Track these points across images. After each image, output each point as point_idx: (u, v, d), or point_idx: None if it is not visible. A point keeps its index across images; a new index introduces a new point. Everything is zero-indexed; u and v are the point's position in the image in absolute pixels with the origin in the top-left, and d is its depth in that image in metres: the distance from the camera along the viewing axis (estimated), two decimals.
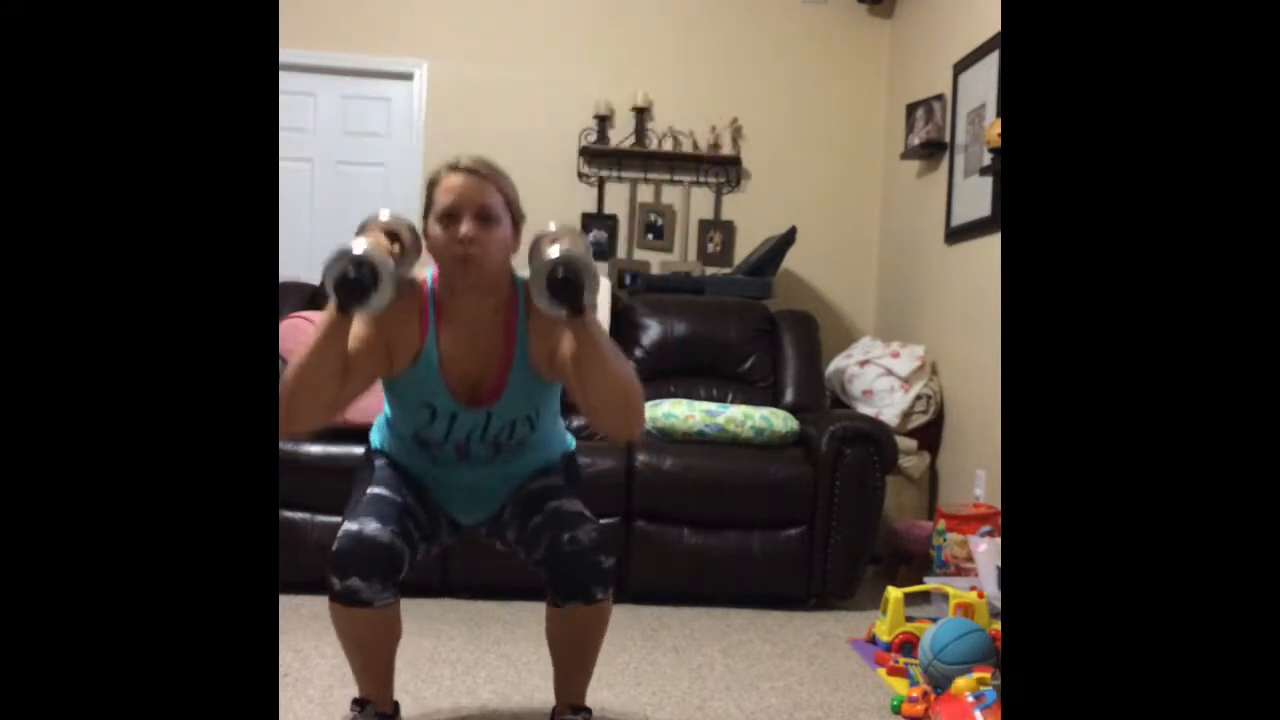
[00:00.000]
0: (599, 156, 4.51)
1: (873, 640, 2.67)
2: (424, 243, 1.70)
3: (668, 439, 3.21)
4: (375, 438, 1.90)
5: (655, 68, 4.57)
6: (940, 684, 2.20)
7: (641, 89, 4.52)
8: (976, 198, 3.61)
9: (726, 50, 4.63)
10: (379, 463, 1.83)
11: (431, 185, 1.69)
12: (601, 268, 4.20)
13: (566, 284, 1.48)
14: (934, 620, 2.51)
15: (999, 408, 3.29)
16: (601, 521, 3.12)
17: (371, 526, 1.63)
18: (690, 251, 4.62)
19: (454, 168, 1.66)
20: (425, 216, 1.69)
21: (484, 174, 1.65)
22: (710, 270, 4.45)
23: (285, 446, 2.96)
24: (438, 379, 1.70)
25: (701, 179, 4.62)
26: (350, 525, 1.63)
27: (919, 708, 2.12)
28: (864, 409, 3.74)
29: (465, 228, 1.62)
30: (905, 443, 3.64)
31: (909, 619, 2.63)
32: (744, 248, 4.58)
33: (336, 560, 1.61)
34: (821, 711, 2.16)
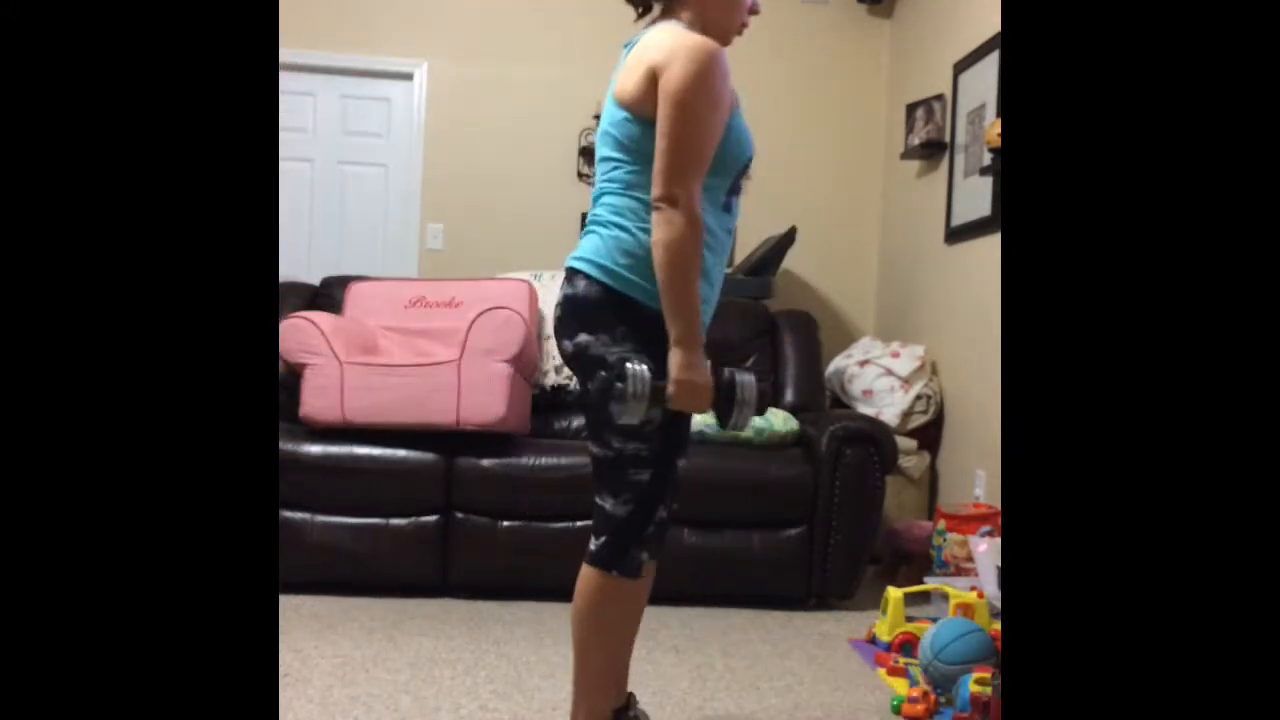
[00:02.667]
0: None
1: (873, 640, 2.67)
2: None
3: None
4: (646, 298, 1.63)
5: None
6: (940, 684, 2.20)
7: None
8: (976, 198, 3.61)
9: (726, 50, 4.63)
10: None
11: None
12: None
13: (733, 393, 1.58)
14: (934, 620, 2.51)
15: (999, 408, 3.29)
16: None
17: (665, 513, 1.68)
18: None
19: None
20: None
21: None
22: None
23: (285, 446, 2.96)
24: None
25: None
26: (662, 512, 1.66)
27: (919, 708, 2.12)
28: (864, 409, 3.74)
29: (757, 2, 1.69)
30: (905, 443, 3.64)
31: (909, 619, 2.63)
32: (744, 248, 4.58)
33: (653, 541, 1.65)
34: (821, 711, 2.16)
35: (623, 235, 1.61)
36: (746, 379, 1.57)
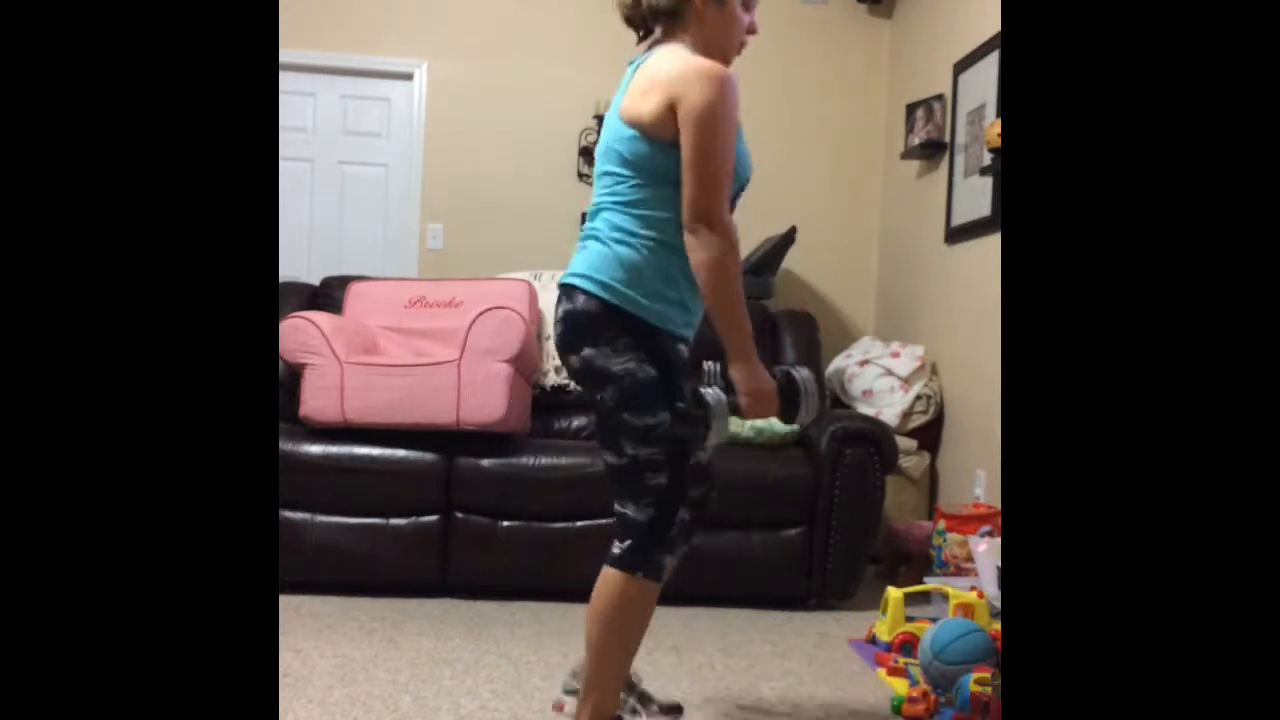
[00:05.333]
0: None
1: (873, 640, 2.67)
2: (712, 17, 1.69)
3: None
4: (661, 310, 1.67)
5: None
6: (940, 684, 2.20)
7: None
8: (976, 198, 3.61)
9: None
10: (684, 384, 1.70)
11: None
12: None
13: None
14: (934, 620, 2.51)
15: (999, 408, 3.29)
16: (601, 521, 3.11)
17: (688, 515, 1.71)
18: None
19: None
20: None
21: None
22: None
23: (285, 446, 2.96)
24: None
25: None
26: (684, 514, 1.69)
27: (919, 708, 2.12)
28: (864, 409, 3.74)
29: (755, 22, 1.73)
30: (905, 443, 3.64)
31: (909, 619, 2.63)
32: (744, 248, 4.58)
33: (678, 543, 1.69)
34: (821, 711, 2.16)
35: (622, 250, 1.65)
36: (803, 374, 1.65)
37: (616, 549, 1.70)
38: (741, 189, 1.74)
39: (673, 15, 1.68)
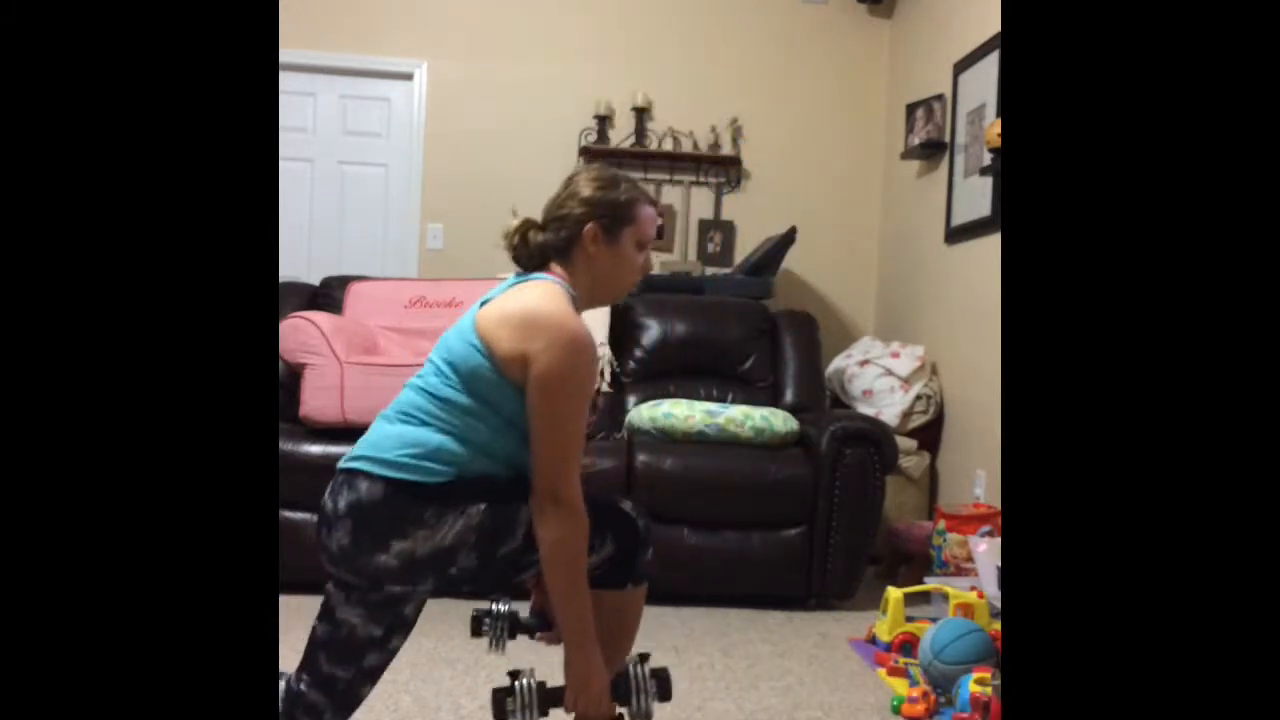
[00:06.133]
0: (599, 156, 4.51)
1: (873, 640, 2.67)
2: (603, 258, 1.62)
3: (668, 439, 3.21)
4: (432, 479, 1.53)
5: (655, 68, 4.57)
6: (940, 684, 2.20)
7: (641, 89, 4.52)
8: (976, 198, 3.61)
9: (726, 50, 4.64)
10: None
11: (630, 205, 1.63)
12: None
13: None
14: (934, 620, 2.51)
15: (999, 408, 3.29)
16: None
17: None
18: (690, 251, 4.62)
19: (650, 201, 1.67)
20: (610, 231, 1.61)
21: None
22: (710, 270, 4.46)
23: (285, 446, 2.96)
24: None
25: (701, 179, 4.62)
26: (629, 503, 1.67)
27: (919, 708, 2.12)
28: (864, 409, 3.74)
29: (649, 262, 1.69)
30: (905, 443, 3.64)
31: (909, 619, 2.63)
32: (744, 248, 4.58)
33: (647, 535, 1.65)
34: (821, 711, 2.16)
35: (408, 429, 1.52)
36: (640, 670, 1.51)
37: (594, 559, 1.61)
38: None
39: (562, 252, 1.62)
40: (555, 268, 1.63)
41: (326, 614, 1.53)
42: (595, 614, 1.56)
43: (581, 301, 1.64)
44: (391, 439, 1.52)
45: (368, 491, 1.48)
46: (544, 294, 1.55)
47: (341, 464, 1.54)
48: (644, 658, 1.53)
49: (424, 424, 1.53)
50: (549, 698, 1.49)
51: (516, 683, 1.47)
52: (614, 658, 1.64)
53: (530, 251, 1.65)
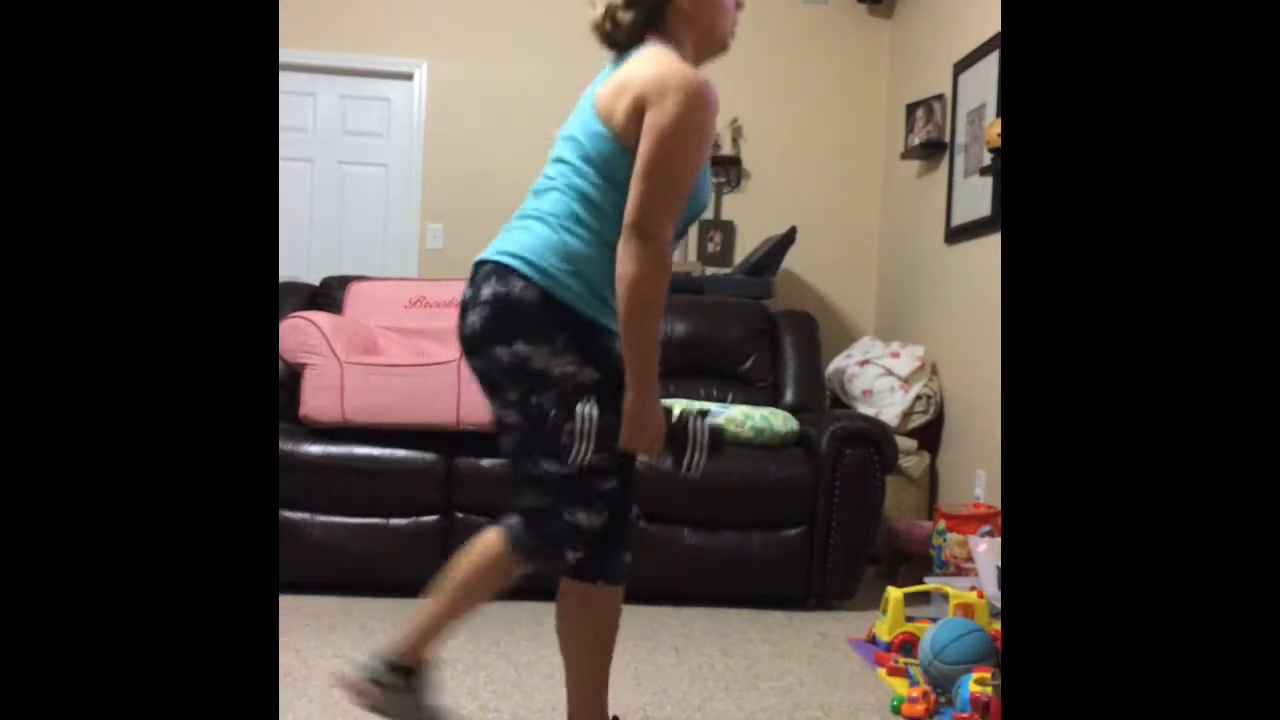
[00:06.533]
0: None
1: (873, 640, 2.67)
2: (700, 9, 1.59)
3: None
4: (601, 307, 1.57)
5: None
6: (940, 684, 2.20)
7: None
8: (976, 198, 3.61)
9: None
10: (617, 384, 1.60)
11: None
12: None
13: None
14: (934, 620, 2.51)
15: (999, 408, 3.29)
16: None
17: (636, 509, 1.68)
18: (690, 251, 4.62)
19: None
20: None
21: None
22: (710, 270, 4.46)
23: (285, 446, 2.96)
24: None
25: None
26: (636, 508, 1.66)
27: (919, 708, 2.12)
28: (864, 409, 3.74)
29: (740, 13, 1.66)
30: (905, 443, 3.64)
31: (909, 619, 2.63)
32: (744, 248, 4.58)
33: (630, 540, 1.64)
34: (821, 711, 2.16)
35: (567, 238, 1.53)
36: (699, 423, 1.52)
37: (571, 558, 1.60)
38: (692, 220, 1.62)
39: (655, 23, 1.58)
40: (653, 41, 1.57)
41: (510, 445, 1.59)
42: (561, 608, 1.64)
43: (690, 62, 1.60)
44: (551, 244, 1.53)
45: (521, 291, 1.51)
46: (655, 55, 1.52)
47: (491, 256, 1.56)
48: (704, 414, 1.56)
49: (569, 231, 1.53)
50: (605, 433, 1.51)
51: (578, 408, 1.49)
52: (587, 673, 1.67)
53: (625, 31, 1.59)
